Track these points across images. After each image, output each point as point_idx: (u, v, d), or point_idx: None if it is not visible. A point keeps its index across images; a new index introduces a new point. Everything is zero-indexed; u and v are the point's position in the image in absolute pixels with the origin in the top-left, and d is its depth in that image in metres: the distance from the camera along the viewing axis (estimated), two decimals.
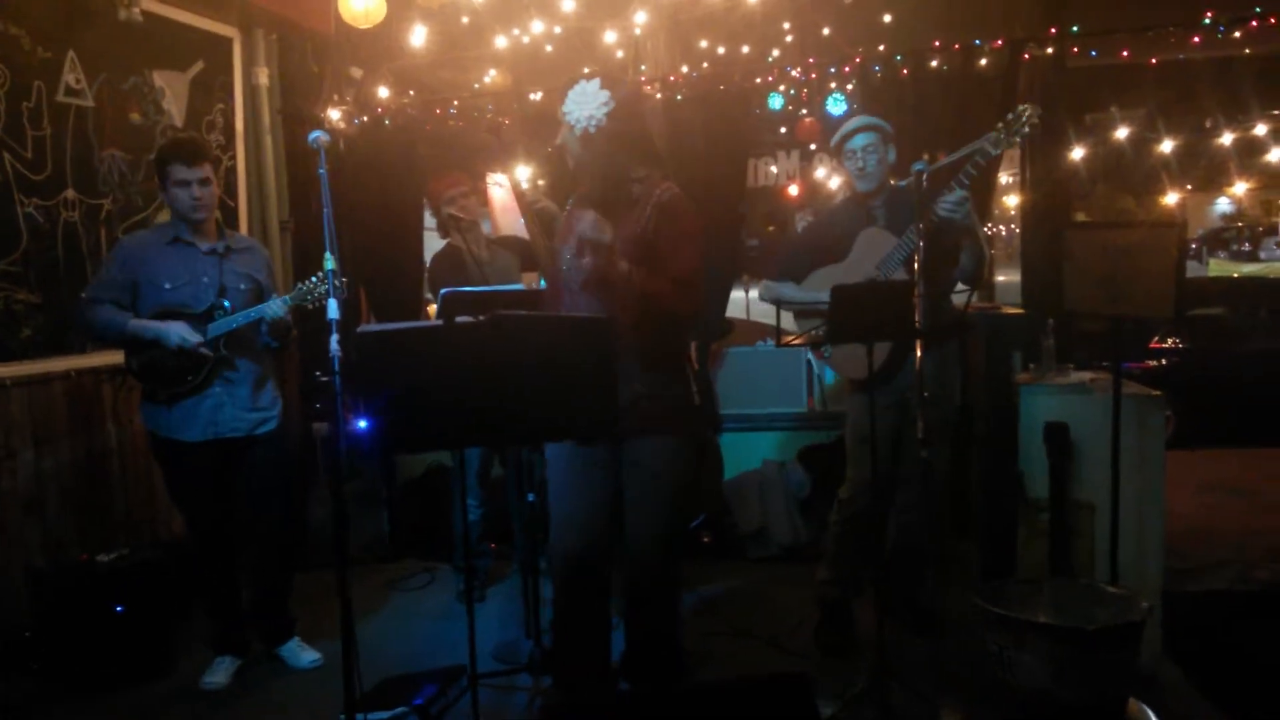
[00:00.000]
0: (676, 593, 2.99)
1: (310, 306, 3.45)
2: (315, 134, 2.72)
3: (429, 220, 5.51)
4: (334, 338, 2.55)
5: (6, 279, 3.83)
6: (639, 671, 2.97)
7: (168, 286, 3.43)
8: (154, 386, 3.44)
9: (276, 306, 3.45)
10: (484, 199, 4.60)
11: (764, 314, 5.94)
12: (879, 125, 3.57)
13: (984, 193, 4.39)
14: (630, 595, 2.93)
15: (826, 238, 3.72)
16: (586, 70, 2.80)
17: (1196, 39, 4.34)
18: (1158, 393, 3.41)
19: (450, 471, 4.61)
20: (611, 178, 2.78)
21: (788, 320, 3.77)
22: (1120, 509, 3.18)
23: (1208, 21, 4.22)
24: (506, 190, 6.08)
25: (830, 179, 6.58)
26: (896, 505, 3.69)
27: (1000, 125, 3.20)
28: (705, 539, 4.83)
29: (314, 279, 3.43)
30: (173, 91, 4.66)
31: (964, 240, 3.45)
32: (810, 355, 3.77)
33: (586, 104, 2.68)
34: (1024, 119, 3.16)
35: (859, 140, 3.53)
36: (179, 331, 3.36)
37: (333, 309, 2.60)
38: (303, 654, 3.75)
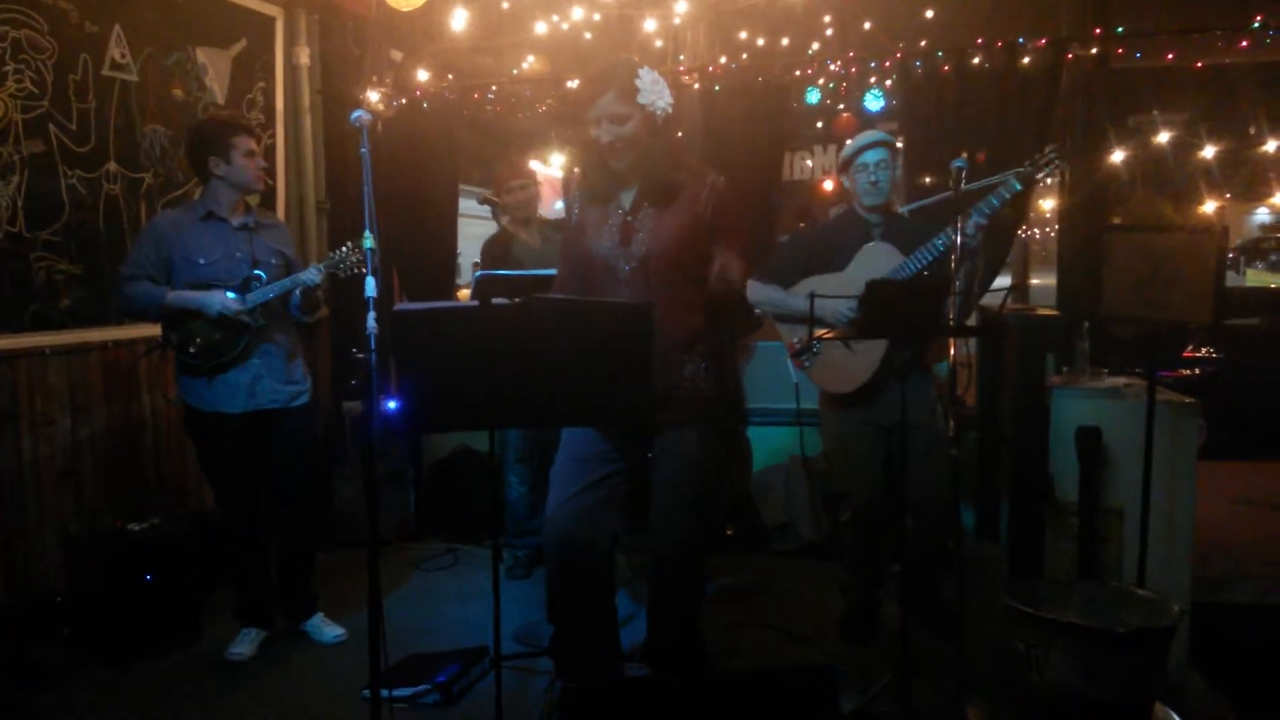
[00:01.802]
0: (701, 583, 2.99)
1: (342, 275, 3.50)
2: (357, 113, 2.74)
3: (464, 205, 5.55)
4: (371, 315, 2.57)
5: (48, 249, 3.89)
6: (660, 660, 2.97)
7: (202, 262, 3.47)
8: (194, 359, 3.48)
9: (311, 274, 3.51)
10: (537, 192, 4.63)
11: None
12: (890, 141, 3.59)
13: (1020, 196, 4.36)
14: (655, 584, 2.93)
15: (821, 249, 3.67)
16: (627, 58, 2.80)
17: (1244, 43, 4.28)
18: (1192, 400, 3.38)
19: (498, 449, 4.64)
20: (675, 163, 2.81)
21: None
22: (1150, 516, 3.15)
23: (1256, 25, 4.17)
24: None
25: None
26: (911, 506, 3.67)
27: (1027, 163, 3.26)
28: (729, 532, 4.83)
29: (345, 248, 3.48)
30: (215, 69, 4.70)
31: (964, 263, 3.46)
32: (789, 362, 3.72)
33: (663, 90, 2.73)
34: (1049, 160, 3.26)
35: (872, 155, 3.53)
36: (219, 299, 3.41)
37: (370, 287, 2.62)
38: (327, 629, 3.79)
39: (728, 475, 3.00)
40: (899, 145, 3.65)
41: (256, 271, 3.51)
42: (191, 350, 3.46)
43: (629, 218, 2.81)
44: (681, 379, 2.77)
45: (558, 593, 2.94)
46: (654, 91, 2.71)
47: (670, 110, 2.74)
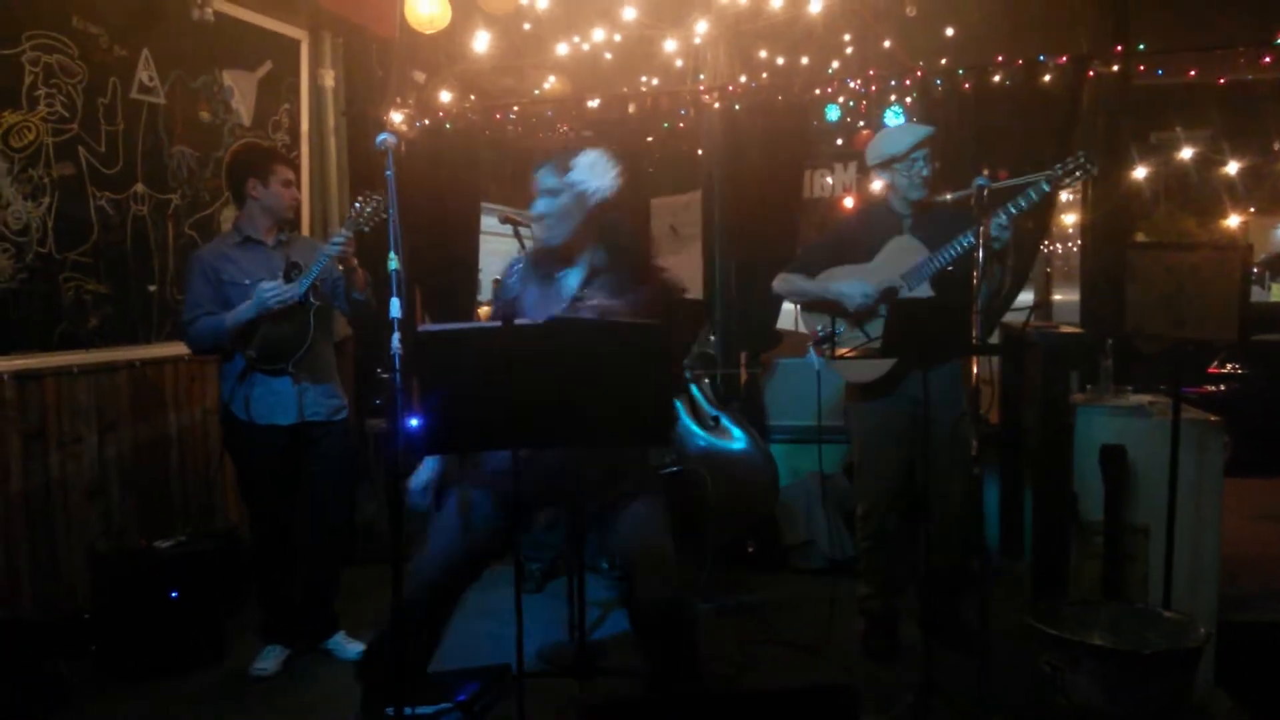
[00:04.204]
0: (693, 637, 2.87)
1: (366, 230, 3.45)
2: (383, 136, 2.77)
3: (485, 223, 5.59)
4: (395, 336, 2.59)
5: (77, 269, 3.94)
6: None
7: (247, 282, 3.54)
8: (277, 365, 3.52)
9: (340, 236, 3.44)
10: None
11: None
12: (934, 134, 3.60)
13: (1043, 210, 4.35)
14: (649, 644, 2.85)
15: (851, 240, 3.72)
16: (587, 134, 2.80)
17: (1266, 59, 4.27)
18: (1217, 418, 3.35)
19: None
20: (614, 247, 2.77)
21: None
22: (1176, 534, 3.13)
23: (1279, 42, 4.15)
24: None
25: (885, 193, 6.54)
26: (929, 523, 3.66)
27: (1058, 167, 3.24)
28: (750, 549, 4.82)
29: (359, 201, 3.46)
30: (241, 91, 4.76)
31: (991, 267, 3.45)
32: (813, 354, 3.71)
33: (603, 174, 2.70)
34: (1082, 165, 3.23)
35: (924, 150, 3.55)
36: (271, 292, 3.43)
37: (395, 308, 2.64)
38: (349, 646, 3.80)
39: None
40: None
41: (296, 264, 3.56)
42: (270, 353, 3.51)
43: (575, 298, 2.76)
44: (614, 463, 2.76)
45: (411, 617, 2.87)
46: (590, 172, 2.69)
47: (604, 196, 2.70)
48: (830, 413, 5.14)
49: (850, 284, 3.54)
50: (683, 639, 2.86)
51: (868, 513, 3.71)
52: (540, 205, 2.74)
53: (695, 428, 4.50)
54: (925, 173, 3.55)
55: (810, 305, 3.73)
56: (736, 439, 4.53)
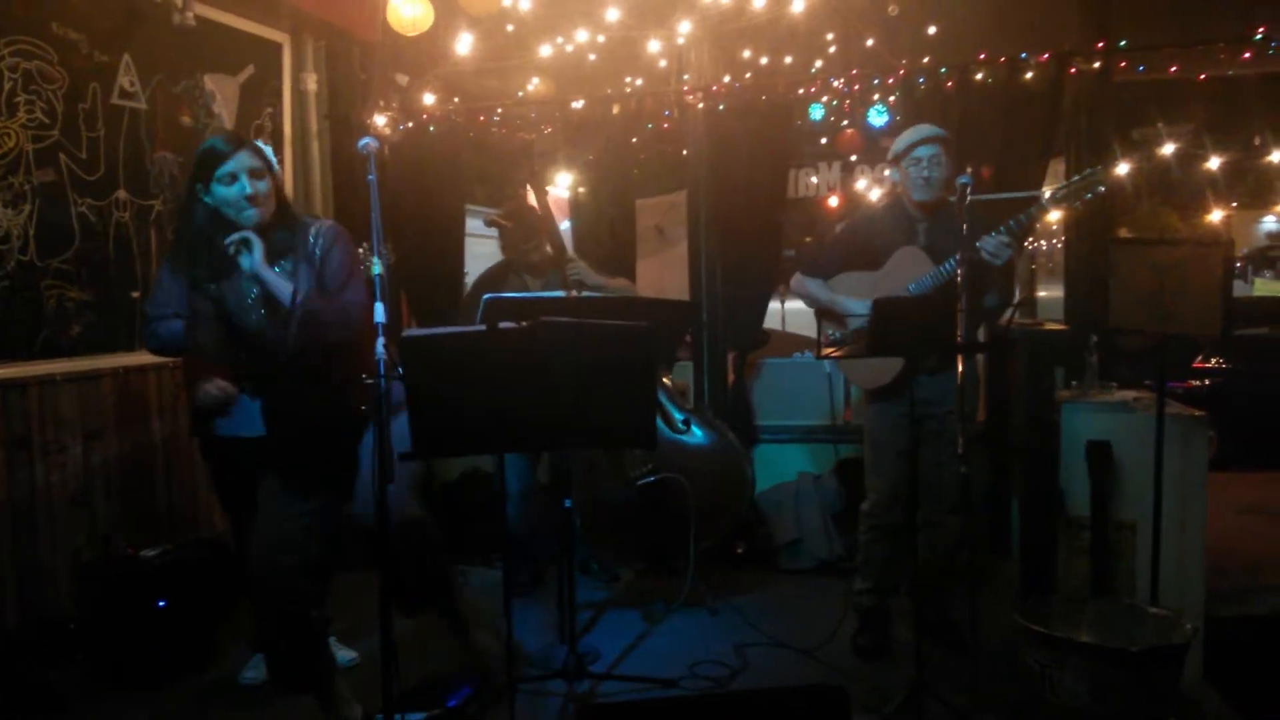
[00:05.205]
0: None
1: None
2: (365, 140, 2.75)
3: (470, 225, 5.58)
4: (380, 340, 2.58)
5: (59, 277, 3.91)
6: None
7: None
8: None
9: None
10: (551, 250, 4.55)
11: (800, 326, 5.93)
12: (945, 136, 3.61)
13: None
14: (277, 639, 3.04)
15: (865, 243, 3.74)
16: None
17: (1247, 55, 4.29)
18: (1201, 413, 3.37)
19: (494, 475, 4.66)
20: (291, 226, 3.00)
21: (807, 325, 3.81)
22: (1162, 530, 3.14)
23: (1259, 37, 4.18)
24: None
25: (870, 190, 6.56)
26: (922, 520, 3.68)
27: (1066, 185, 3.28)
28: (738, 550, 4.82)
29: (361, 249, 3.45)
30: (223, 95, 4.73)
31: (996, 278, 3.50)
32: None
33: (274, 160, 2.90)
34: (1091, 184, 3.25)
35: (926, 150, 3.54)
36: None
37: (379, 312, 2.63)
38: (339, 653, 3.78)
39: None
40: (950, 139, 3.65)
41: None
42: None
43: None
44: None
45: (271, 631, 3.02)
46: (274, 157, 2.89)
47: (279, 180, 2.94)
48: (825, 414, 5.17)
49: (860, 304, 3.53)
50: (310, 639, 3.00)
51: (874, 506, 3.73)
52: (250, 186, 2.81)
53: (665, 429, 4.49)
54: (927, 174, 3.53)
55: (821, 312, 3.78)
56: (704, 436, 4.55)
